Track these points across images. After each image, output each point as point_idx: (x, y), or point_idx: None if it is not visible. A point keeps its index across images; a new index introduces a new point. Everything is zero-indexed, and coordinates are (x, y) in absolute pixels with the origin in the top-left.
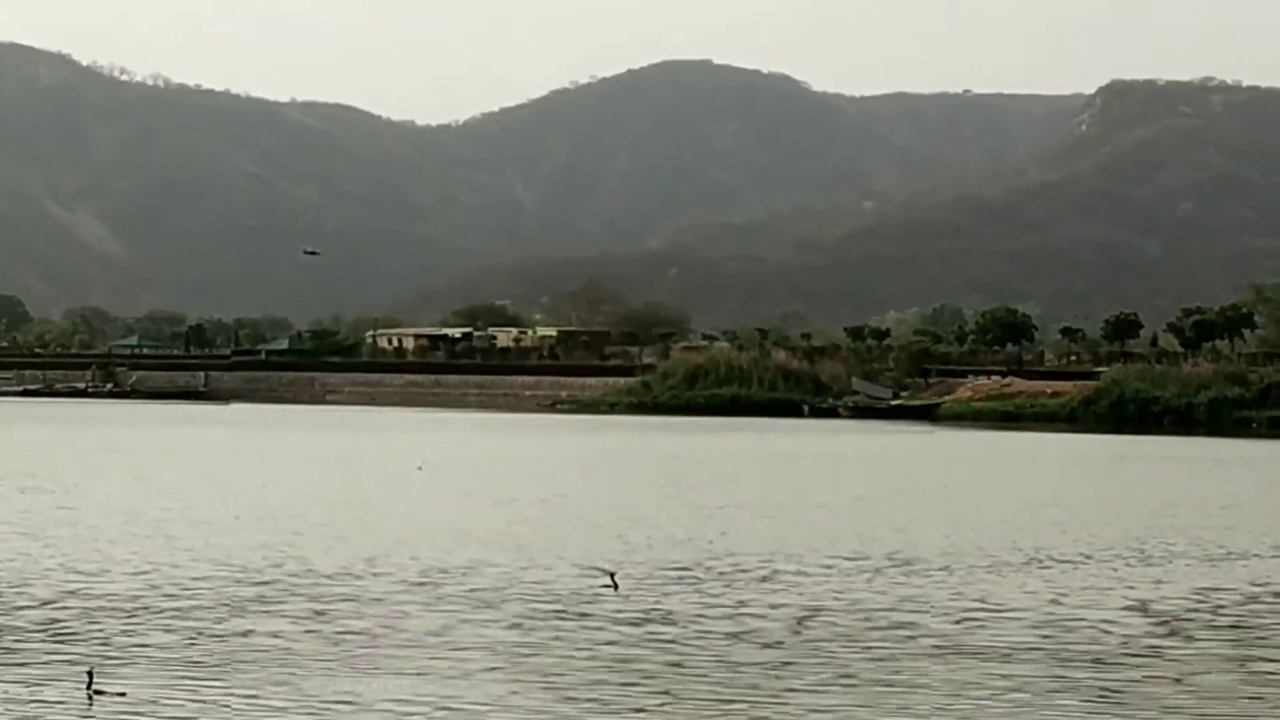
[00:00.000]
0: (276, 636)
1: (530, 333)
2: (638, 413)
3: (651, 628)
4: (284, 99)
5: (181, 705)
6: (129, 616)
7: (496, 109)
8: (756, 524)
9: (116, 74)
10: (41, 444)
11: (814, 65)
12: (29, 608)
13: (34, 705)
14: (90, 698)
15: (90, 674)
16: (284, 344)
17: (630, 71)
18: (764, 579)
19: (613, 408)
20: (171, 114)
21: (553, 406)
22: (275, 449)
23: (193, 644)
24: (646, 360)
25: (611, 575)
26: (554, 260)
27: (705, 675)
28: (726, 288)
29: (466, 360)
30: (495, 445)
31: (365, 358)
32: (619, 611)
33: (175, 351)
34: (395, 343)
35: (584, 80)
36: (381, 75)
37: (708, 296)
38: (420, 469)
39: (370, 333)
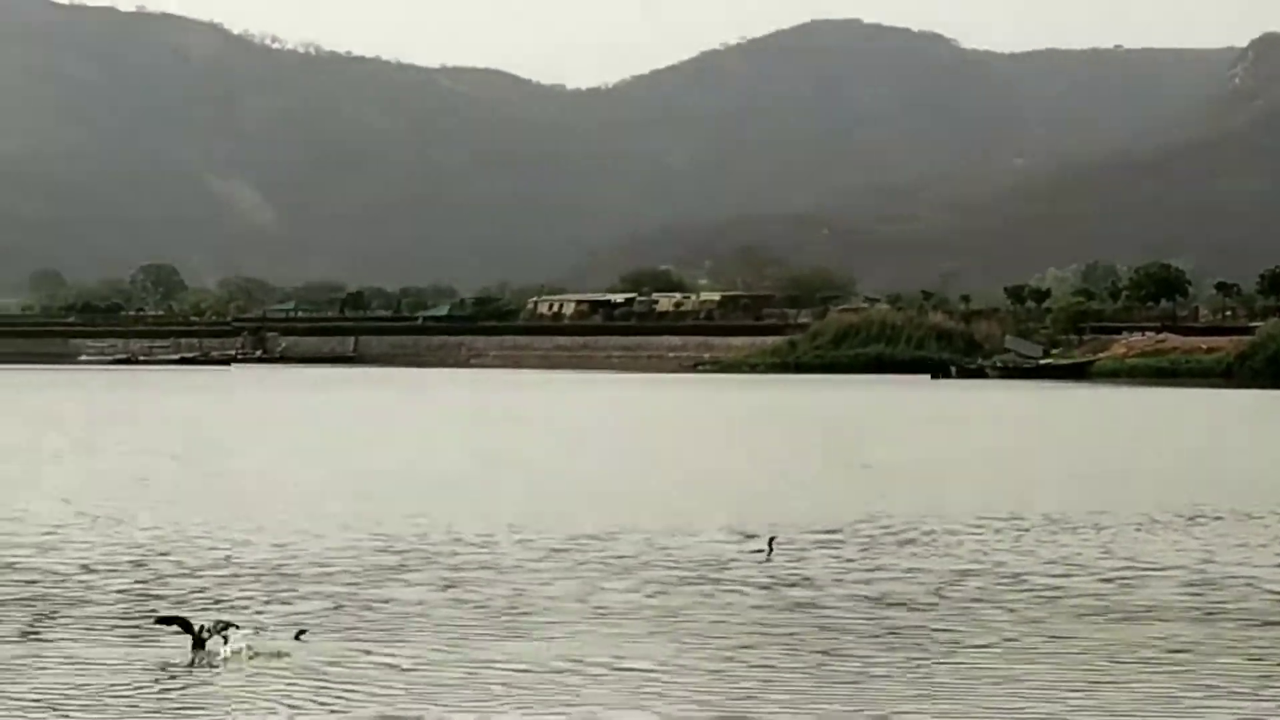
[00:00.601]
0: (421, 602)
1: (694, 297)
2: (779, 372)
3: (800, 590)
4: (435, 65)
5: (343, 669)
6: (278, 582)
7: (647, 71)
8: (901, 484)
9: (268, 43)
10: (189, 412)
11: (964, 23)
12: (178, 575)
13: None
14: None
15: (226, 625)
16: (444, 310)
17: (779, 32)
18: (911, 540)
19: (754, 368)
20: (323, 82)
21: (694, 367)
22: (415, 410)
23: (339, 609)
24: (802, 321)
25: (770, 541)
26: (705, 223)
27: (856, 637)
28: (877, 249)
29: (622, 324)
30: (634, 405)
31: (523, 322)
32: (768, 574)
33: (329, 314)
34: (555, 308)
35: (733, 41)
36: (532, 39)
37: (859, 258)
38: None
39: (533, 299)
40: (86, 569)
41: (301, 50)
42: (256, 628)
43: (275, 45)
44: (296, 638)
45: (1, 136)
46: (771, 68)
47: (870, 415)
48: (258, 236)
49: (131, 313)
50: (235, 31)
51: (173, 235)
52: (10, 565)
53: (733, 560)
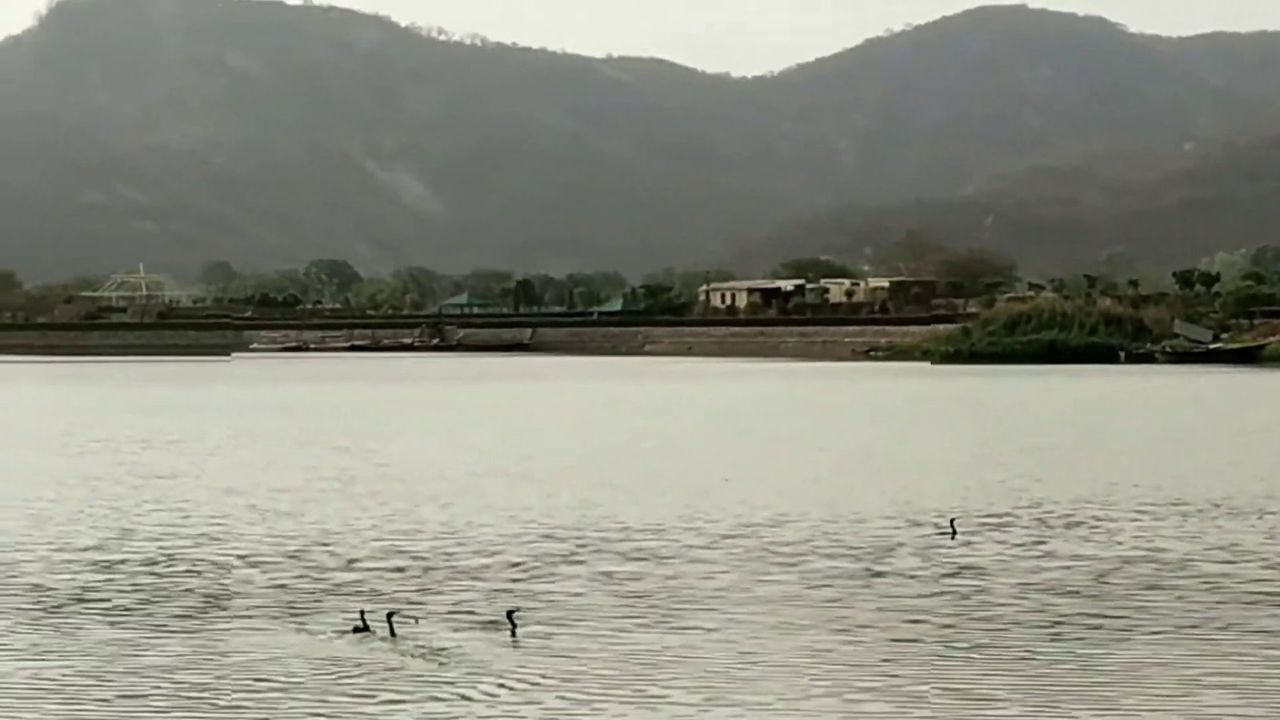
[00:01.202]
0: (578, 595)
1: (863, 285)
2: (953, 360)
3: (964, 578)
4: (599, 54)
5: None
6: (447, 572)
7: (811, 59)
8: (1068, 469)
9: (434, 34)
10: (356, 401)
11: (1130, 6)
12: (338, 569)
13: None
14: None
15: (390, 615)
16: (618, 304)
17: (944, 18)
18: (1076, 524)
19: (927, 355)
20: (488, 73)
21: (867, 354)
22: (590, 399)
23: (492, 599)
24: (971, 310)
25: (951, 522)
26: (870, 209)
27: (1019, 625)
28: (1043, 233)
29: (796, 315)
30: (806, 392)
31: (697, 315)
32: (934, 561)
33: (504, 310)
34: (728, 299)
35: (898, 28)
36: (696, 28)
37: (1025, 242)
38: (726, 480)
39: (703, 288)
40: (291, 556)
41: (467, 41)
42: (427, 615)
43: (441, 37)
44: (511, 622)
45: (171, 131)
46: (936, 54)
47: (1045, 400)
48: (423, 226)
49: (308, 305)
50: (402, 24)
51: (339, 226)
52: (210, 558)
53: (899, 546)
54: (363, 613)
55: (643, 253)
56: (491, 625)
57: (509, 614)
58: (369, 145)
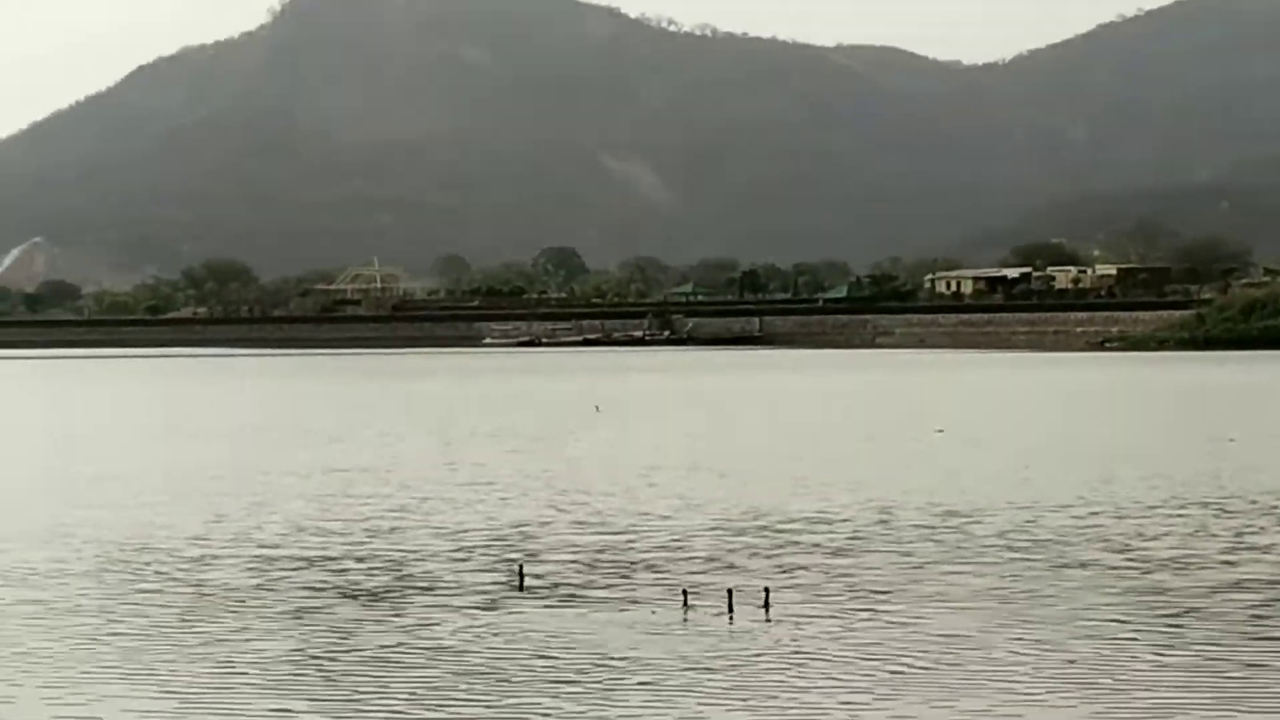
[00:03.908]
0: (798, 583)
1: (1089, 271)
2: (1187, 348)
3: (1158, 574)
4: (829, 44)
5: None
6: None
7: (1043, 45)
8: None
9: (665, 25)
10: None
11: None
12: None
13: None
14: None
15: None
16: (842, 291)
17: (1178, 3)
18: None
19: (1162, 344)
20: (718, 62)
21: (1101, 345)
22: (818, 390)
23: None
24: (1205, 296)
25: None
26: (1104, 196)
27: (1203, 618)
28: (1275, 218)
29: (1022, 301)
30: (1052, 385)
31: (923, 302)
32: (1116, 553)
33: (728, 297)
34: (953, 286)
35: (1130, 13)
36: (927, 15)
37: (1262, 228)
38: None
39: (929, 276)
40: (587, 538)
41: (697, 32)
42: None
43: (672, 28)
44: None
45: (404, 124)
46: (1169, 38)
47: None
48: (654, 216)
49: (534, 295)
50: (632, 15)
51: (571, 217)
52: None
53: (1106, 539)
54: (685, 591)
55: (870, 243)
56: (753, 603)
57: (765, 591)
58: (600, 137)
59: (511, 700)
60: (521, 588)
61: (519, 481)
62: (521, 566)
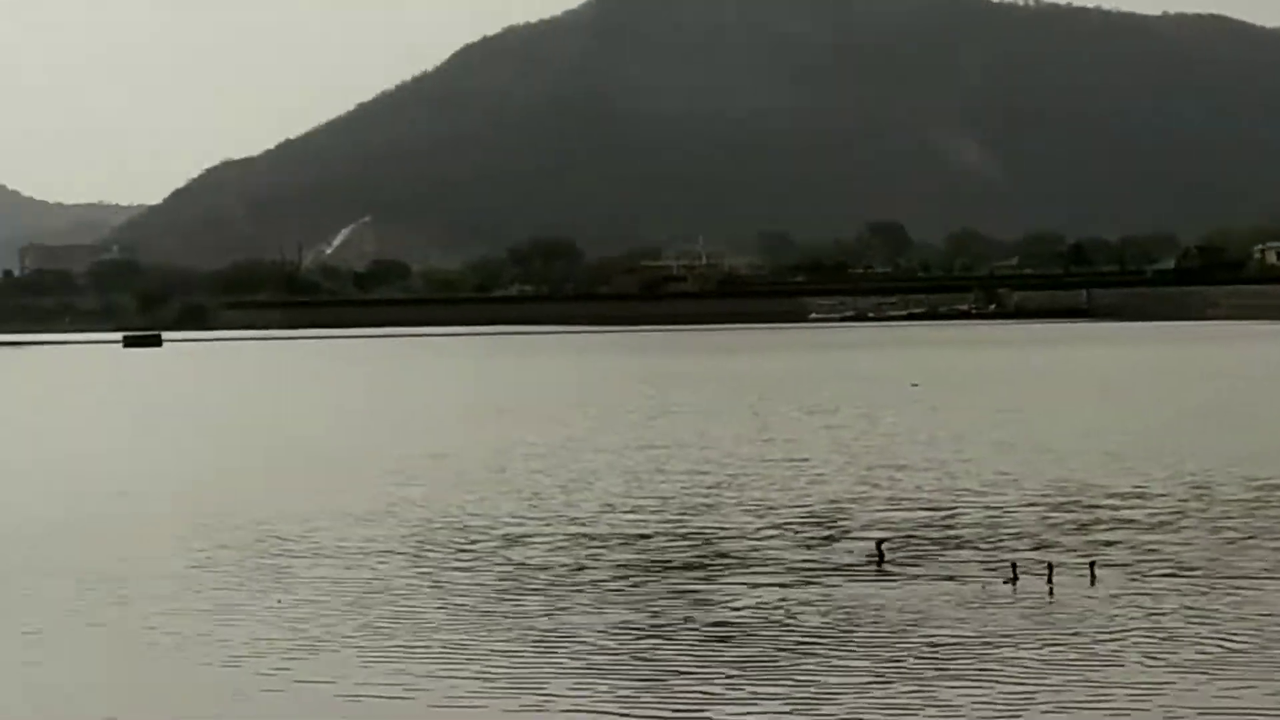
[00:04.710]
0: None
1: None
2: None
3: None
4: (1154, 12)
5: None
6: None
7: None
8: None
9: None
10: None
11: None
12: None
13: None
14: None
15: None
16: (1170, 263)
17: None
18: None
19: None
20: (1042, 34)
21: None
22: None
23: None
24: None
25: None
26: None
27: None
28: None
29: None
30: None
31: (1252, 273)
32: None
33: (1055, 270)
34: None
35: None
36: None
37: None
38: None
39: (1258, 247)
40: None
41: (1020, 3)
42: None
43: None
44: (1091, 571)
45: (732, 101)
46: None
47: None
48: (980, 190)
49: (859, 270)
50: None
51: (896, 191)
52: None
53: None
54: (1014, 565)
55: (1198, 213)
56: (1080, 577)
57: (1090, 565)
58: (922, 109)
59: (888, 668)
60: (881, 564)
61: (831, 457)
62: (880, 543)
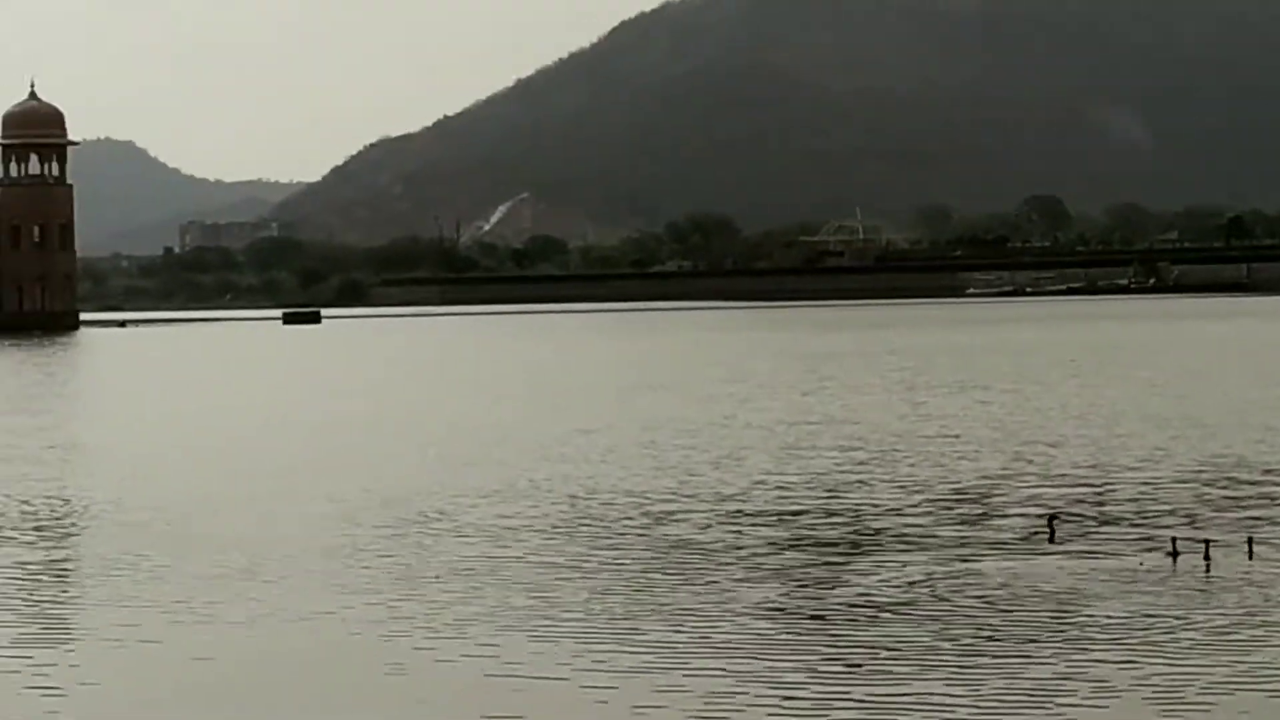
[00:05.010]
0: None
1: None
2: None
3: None
4: None
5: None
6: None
7: None
8: None
9: None
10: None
11: None
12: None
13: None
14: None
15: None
16: None
17: None
18: None
19: None
20: (1195, 2)
21: None
22: None
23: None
24: None
25: None
26: None
27: None
28: None
29: None
30: None
31: None
32: None
33: (1214, 244)
34: None
35: None
36: None
37: None
38: None
39: None
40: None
41: None
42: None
43: None
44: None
45: (892, 75)
46: None
47: None
48: (1137, 163)
49: (1018, 245)
50: None
51: (1052, 165)
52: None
53: None
54: (1174, 540)
55: None
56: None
57: (1249, 541)
58: (1080, 81)
59: (1048, 646)
60: (1052, 539)
61: (984, 433)
62: (1052, 518)
